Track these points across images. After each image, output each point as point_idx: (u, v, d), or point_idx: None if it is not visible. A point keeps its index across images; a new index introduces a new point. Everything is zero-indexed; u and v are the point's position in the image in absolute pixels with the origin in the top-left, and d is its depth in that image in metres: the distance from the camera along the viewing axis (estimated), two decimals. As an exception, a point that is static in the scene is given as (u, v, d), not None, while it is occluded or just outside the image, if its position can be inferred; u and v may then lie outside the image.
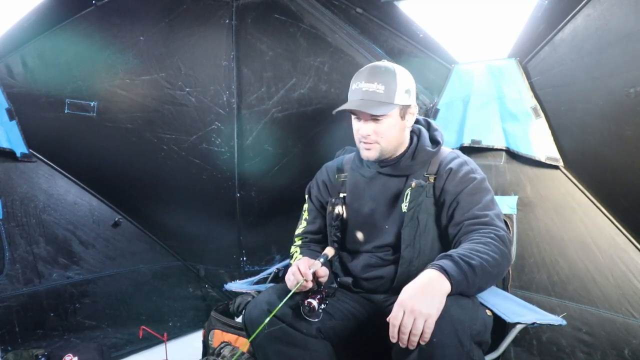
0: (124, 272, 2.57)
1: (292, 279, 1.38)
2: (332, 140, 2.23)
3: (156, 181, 2.53)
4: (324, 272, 1.41)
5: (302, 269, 1.36)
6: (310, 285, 1.38)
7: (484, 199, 1.43)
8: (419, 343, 1.13)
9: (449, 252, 1.27)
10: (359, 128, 1.49)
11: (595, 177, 1.84)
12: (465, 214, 1.40)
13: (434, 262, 1.24)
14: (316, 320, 1.35)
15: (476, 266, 1.23)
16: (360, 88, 1.45)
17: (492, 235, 1.32)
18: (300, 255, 1.61)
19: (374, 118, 1.46)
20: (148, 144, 2.32)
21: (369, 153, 1.51)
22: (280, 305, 1.33)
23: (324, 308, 1.36)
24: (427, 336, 1.12)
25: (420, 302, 1.14)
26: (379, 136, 1.48)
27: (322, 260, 1.43)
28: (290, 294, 1.34)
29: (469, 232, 1.36)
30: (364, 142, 1.50)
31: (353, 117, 1.51)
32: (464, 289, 1.22)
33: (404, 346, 1.15)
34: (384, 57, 2.18)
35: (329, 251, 1.53)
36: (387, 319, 1.18)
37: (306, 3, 2.13)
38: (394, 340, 1.16)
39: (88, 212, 2.45)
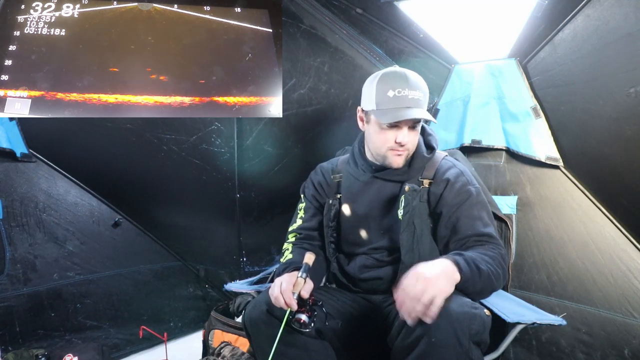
0: (124, 272, 2.57)
1: (275, 301, 1.33)
2: (332, 141, 2.23)
3: (156, 181, 2.53)
4: (308, 288, 1.35)
5: (287, 299, 1.30)
6: (296, 307, 1.32)
7: (483, 215, 1.46)
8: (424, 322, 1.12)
9: (460, 252, 1.31)
10: (398, 136, 1.45)
11: (595, 177, 1.84)
12: (469, 230, 1.41)
13: (447, 255, 1.27)
14: (309, 330, 1.34)
15: (483, 271, 1.27)
16: (406, 95, 1.41)
17: (497, 252, 1.37)
18: (291, 255, 1.59)
19: (412, 125, 1.46)
20: (148, 144, 2.32)
21: (400, 160, 1.51)
22: (277, 339, 1.31)
23: (315, 315, 1.34)
24: (434, 313, 1.10)
25: (435, 276, 1.15)
26: (412, 143, 1.50)
27: (303, 275, 1.36)
28: (281, 331, 1.31)
29: (474, 247, 1.38)
30: (397, 150, 1.48)
31: (387, 125, 1.45)
32: (468, 287, 1.25)
33: (406, 316, 1.14)
34: (384, 57, 2.19)
35: (309, 259, 1.45)
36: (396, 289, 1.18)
37: (306, 3, 2.12)
38: (399, 308, 1.16)
39: (88, 212, 2.45)
